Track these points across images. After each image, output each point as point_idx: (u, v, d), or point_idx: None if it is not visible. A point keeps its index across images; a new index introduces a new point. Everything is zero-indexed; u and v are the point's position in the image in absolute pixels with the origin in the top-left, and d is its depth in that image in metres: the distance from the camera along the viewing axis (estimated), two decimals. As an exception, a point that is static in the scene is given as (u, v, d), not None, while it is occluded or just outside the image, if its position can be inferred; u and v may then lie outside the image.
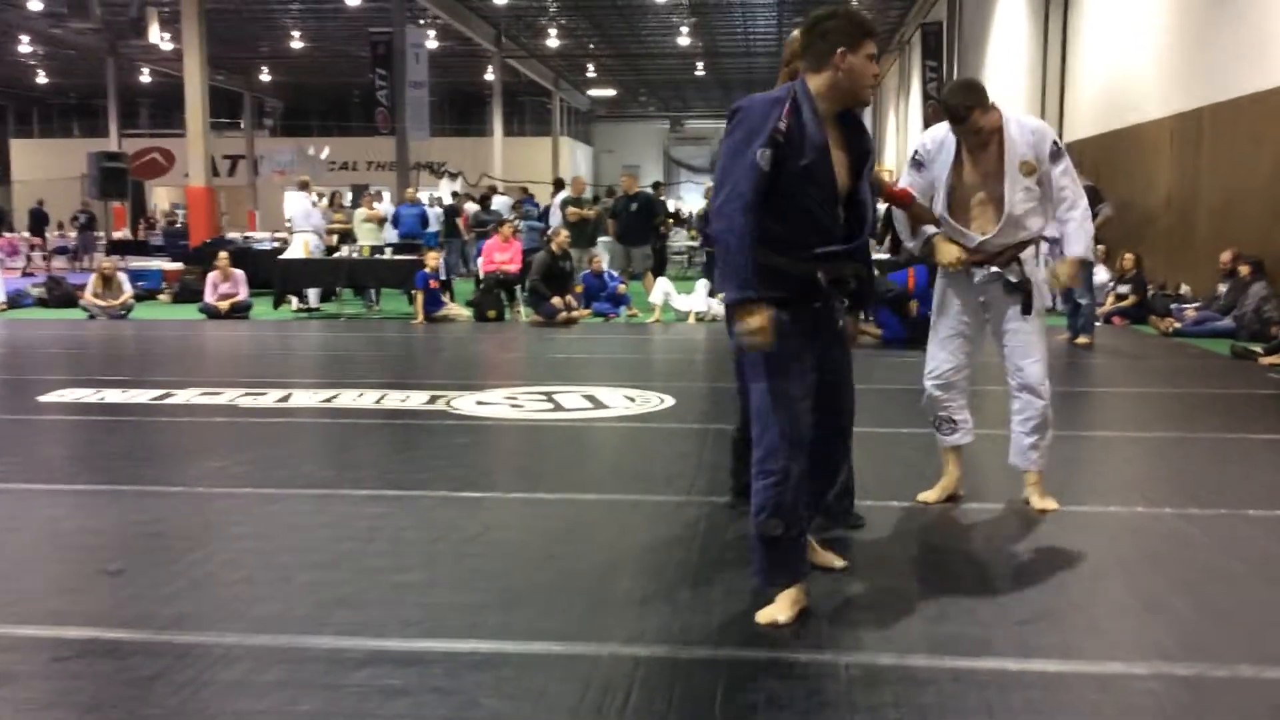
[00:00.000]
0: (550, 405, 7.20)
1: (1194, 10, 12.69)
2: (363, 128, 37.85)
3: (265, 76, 43.53)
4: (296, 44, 35.92)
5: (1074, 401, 7.25)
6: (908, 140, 33.80)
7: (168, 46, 28.12)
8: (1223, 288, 11.23)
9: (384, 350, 11.06)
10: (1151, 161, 13.90)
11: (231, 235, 22.04)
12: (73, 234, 27.83)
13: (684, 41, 36.07)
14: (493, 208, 20.61)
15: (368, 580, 3.70)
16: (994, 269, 4.37)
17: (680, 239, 21.55)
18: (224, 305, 13.80)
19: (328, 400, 7.43)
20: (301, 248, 15.11)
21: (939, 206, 4.41)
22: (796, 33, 4.18)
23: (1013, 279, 4.35)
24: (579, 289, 13.37)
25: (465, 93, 45.78)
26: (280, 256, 15.44)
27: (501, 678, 2.95)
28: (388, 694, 2.84)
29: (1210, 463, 5.61)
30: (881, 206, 6.31)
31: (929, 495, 4.66)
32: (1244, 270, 10.75)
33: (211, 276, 14.16)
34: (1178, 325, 11.20)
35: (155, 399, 7.46)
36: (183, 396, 7.54)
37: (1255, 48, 11.11)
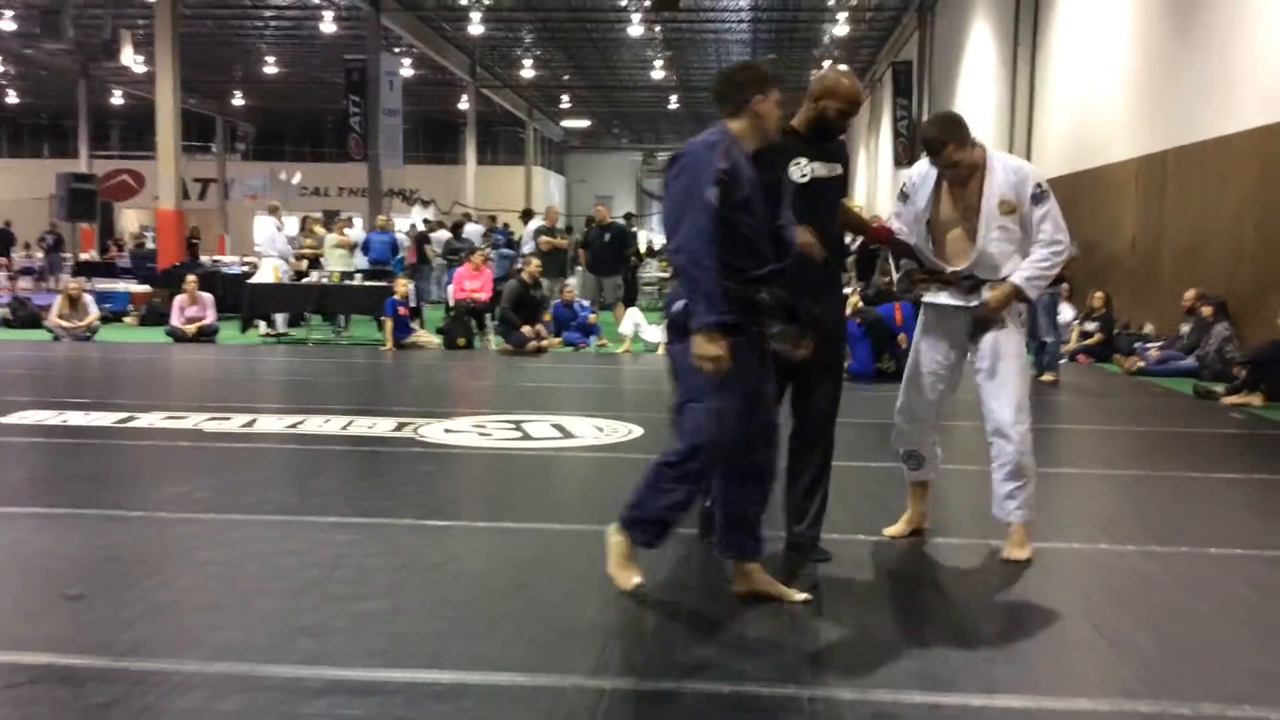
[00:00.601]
0: (519, 434, 7.18)
1: (1160, 54, 12.92)
2: (335, 154, 37.89)
3: (238, 101, 43.47)
4: (270, 69, 35.94)
5: (1039, 438, 7.24)
6: (878, 176, 34.15)
7: (140, 69, 28.06)
8: (1185, 327, 11.38)
9: (352, 376, 11.00)
10: (1117, 202, 14.10)
11: (201, 259, 21.92)
12: (39, 255, 27.58)
13: (658, 75, 36.38)
14: (464, 236, 20.62)
15: (331, 608, 3.67)
16: (968, 304, 4.36)
17: (652, 270, 21.63)
18: (190, 328, 13.69)
19: (293, 426, 7.37)
20: (271, 272, 15.03)
21: (917, 238, 4.44)
22: (826, 69, 4.26)
23: (972, 302, 4.33)
24: (548, 318, 13.36)
25: (439, 121, 45.87)
26: (249, 280, 15.36)
27: (463, 709, 2.92)
28: (348, 724, 2.81)
29: (1173, 501, 5.66)
30: (851, 241, 6.35)
31: (893, 529, 4.66)
32: (1206, 311, 10.90)
33: (179, 300, 14.06)
34: (1141, 364, 11.33)
35: (119, 422, 7.38)
36: (146, 420, 7.47)
37: (1220, 92, 11.33)
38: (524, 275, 13.10)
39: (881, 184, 33.31)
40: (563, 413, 8.00)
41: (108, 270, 25.33)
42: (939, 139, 4.28)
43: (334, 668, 3.15)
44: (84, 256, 27.07)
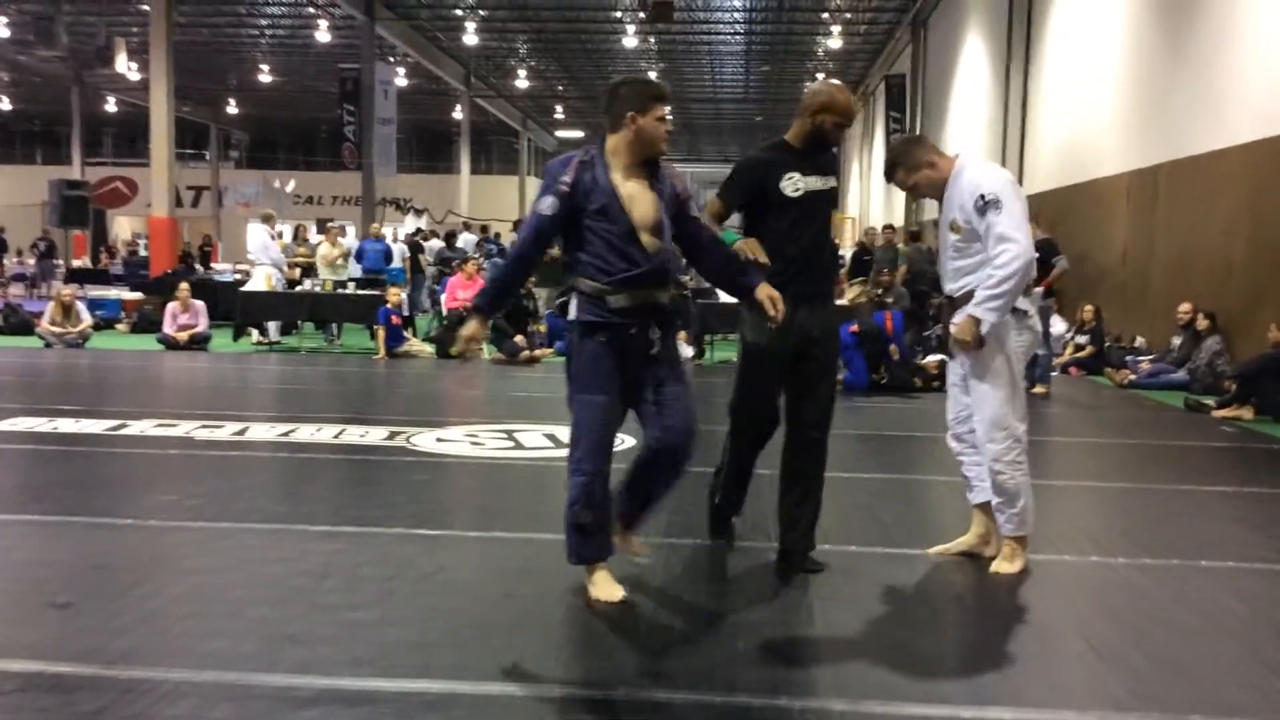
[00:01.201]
0: (511, 443, 7.17)
1: (1152, 69, 12.98)
2: (329, 162, 37.87)
3: (232, 109, 43.44)
4: (265, 77, 35.92)
5: (1030, 451, 7.29)
6: (871, 189, 34.24)
7: (135, 76, 28.03)
8: (1177, 341, 11.41)
9: (344, 385, 10.99)
10: (1108, 216, 14.15)
11: (195, 266, 21.88)
12: (31, 261, 27.52)
13: (652, 86, 36.37)
14: (458, 245, 20.62)
15: (320, 617, 3.66)
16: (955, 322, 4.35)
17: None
18: (182, 336, 13.66)
19: (285, 434, 7.36)
20: (263, 280, 15.02)
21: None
22: (820, 84, 4.29)
23: (957, 319, 4.31)
24: (542, 328, 13.35)
25: (433, 130, 45.93)
26: (242, 288, 15.34)
27: (453, 718, 2.92)
28: (337, 733, 2.80)
29: (1164, 514, 5.67)
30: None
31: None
32: (1203, 324, 10.93)
33: (171, 307, 14.03)
34: (1132, 377, 11.36)
35: (109, 429, 7.36)
36: (137, 427, 7.45)
37: (1211, 107, 11.38)
38: (517, 285, 13.07)
39: (874, 197, 33.40)
40: (555, 423, 7.98)
41: (100, 277, 25.27)
42: (888, 165, 4.40)
43: (323, 677, 3.14)
44: (76, 263, 27.02)
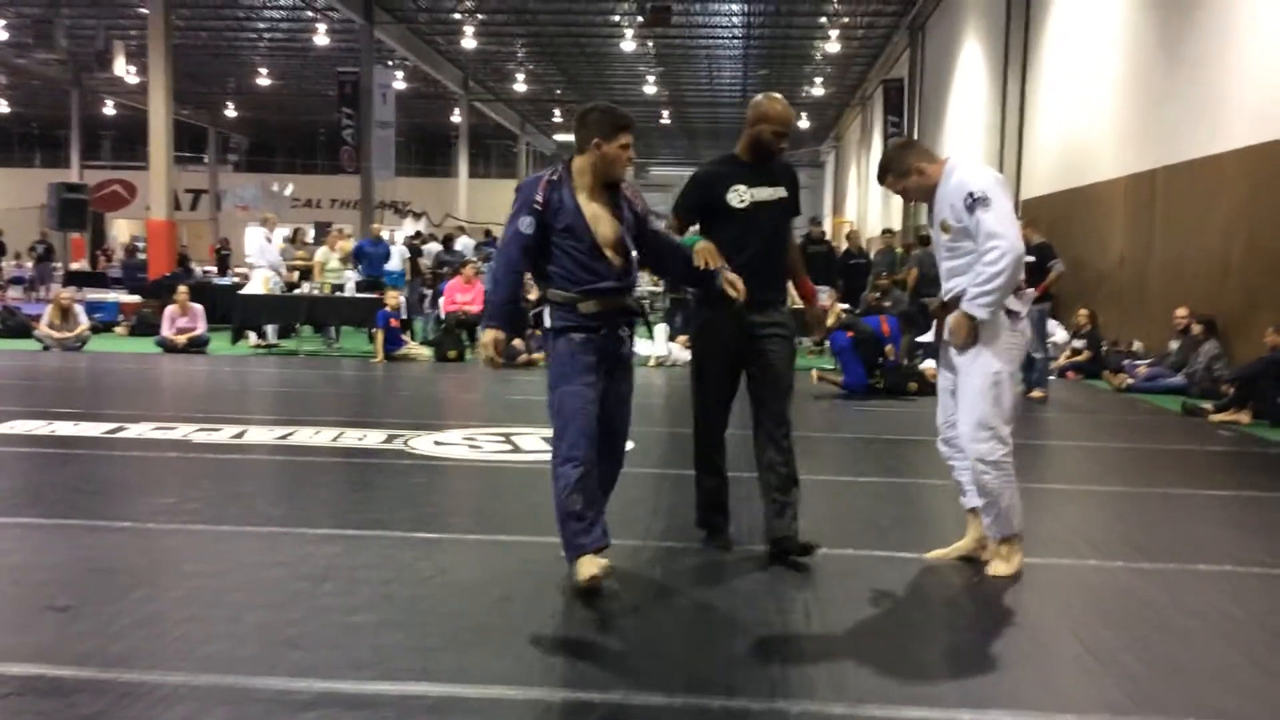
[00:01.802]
0: (509, 447, 7.18)
1: (1149, 73, 13.00)
2: (327, 166, 37.92)
3: (231, 112, 43.45)
4: (263, 81, 35.93)
5: (1027, 454, 7.31)
6: (869, 193, 34.26)
7: (133, 79, 28.04)
8: (1174, 345, 11.43)
9: (342, 388, 10.99)
10: (1106, 220, 14.17)
11: (192, 268, 21.88)
12: (29, 264, 27.50)
13: (650, 90, 36.44)
14: (456, 248, 20.60)
15: (319, 621, 3.66)
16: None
17: (643, 284, 21.64)
18: (181, 339, 13.67)
19: (283, 437, 7.36)
20: (261, 283, 15.02)
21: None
22: (760, 96, 4.40)
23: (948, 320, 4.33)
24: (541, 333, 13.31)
25: (431, 134, 45.93)
26: (240, 292, 15.34)
27: (453, 721, 2.92)
28: (336, 736, 2.80)
29: (1161, 518, 5.68)
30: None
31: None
32: (1197, 329, 10.94)
33: (169, 310, 14.03)
34: (1130, 381, 11.37)
35: (107, 432, 7.36)
36: (135, 431, 7.45)
37: (1208, 112, 11.40)
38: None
39: (872, 201, 33.43)
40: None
41: (98, 280, 25.26)
42: (880, 170, 4.46)
43: (322, 680, 3.14)
44: (74, 266, 26.99)
